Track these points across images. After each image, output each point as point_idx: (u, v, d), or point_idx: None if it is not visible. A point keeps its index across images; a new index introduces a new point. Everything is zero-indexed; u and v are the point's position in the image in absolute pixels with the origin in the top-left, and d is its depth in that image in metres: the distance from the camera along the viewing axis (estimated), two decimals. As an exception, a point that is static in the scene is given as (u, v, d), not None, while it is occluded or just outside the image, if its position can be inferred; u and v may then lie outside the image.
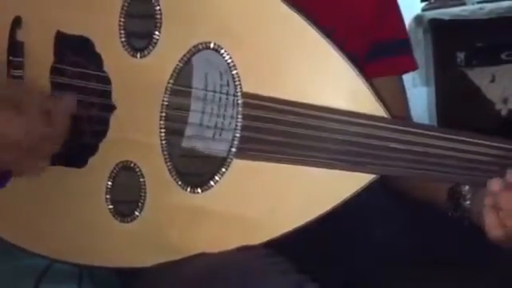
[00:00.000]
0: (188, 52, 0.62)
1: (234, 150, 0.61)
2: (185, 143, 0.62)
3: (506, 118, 1.68)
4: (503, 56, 1.68)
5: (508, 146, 0.58)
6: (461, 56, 1.67)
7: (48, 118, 0.59)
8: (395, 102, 0.72)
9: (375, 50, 0.79)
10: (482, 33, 1.67)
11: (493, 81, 1.68)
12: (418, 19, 1.69)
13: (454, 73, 1.68)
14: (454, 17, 1.66)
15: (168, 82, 0.62)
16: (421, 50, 1.67)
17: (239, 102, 0.61)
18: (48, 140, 0.59)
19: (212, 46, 0.62)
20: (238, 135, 0.61)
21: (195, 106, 0.63)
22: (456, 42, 1.67)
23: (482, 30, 1.67)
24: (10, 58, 0.65)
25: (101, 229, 0.65)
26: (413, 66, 0.84)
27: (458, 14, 1.67)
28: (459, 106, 1.68)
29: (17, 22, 0.66)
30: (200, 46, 0.62)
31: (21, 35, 0.66)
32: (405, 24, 0.84)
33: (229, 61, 0.61)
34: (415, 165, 0.59)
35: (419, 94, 1.70)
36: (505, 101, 1.69)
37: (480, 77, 1.68)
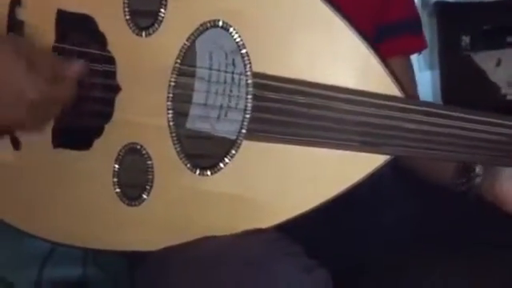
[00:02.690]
0: (195, 31, 0.60)
1: (243, 131, 0.60)
2: (189, 123, 0.61)
3: (511, 101, 1.66)
4: (509, 39, 1.65)
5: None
6: (466, 39, 1.64)
7: (57, 78, 0.58)
8: (404, 83, 0.70)
9: (383, 30, 0.77)
10: (487, 16, 1.64)
11: (498, 64, 1.66)
12: (422, 2, 1.66)
13: (459, 56, 1.66)
14: (460, -1, 1.63)
15: (175, 62, 0.61)
16: (426, 34, 1.64)
17: (249, 82, 0.59)
18: (55, 102, 0.58)
19: (220, 24, 0.60)
20: (247, 116, 0.59)
21: (200, 85, 0.61)
22: (461, 25, 1.64)
23: (487, 12, 1.64)
24: (11, 37, 0.64)
25: (108, 212, 0.63)
26: (422, 46, 0.82)
27: (463, -3, 1.64)
28: (464, 90, 1.66)
29: (16, 1, 0.64)
30: (208, 25, 0.60)
31: (21, 14, 0.64)
32: (414, 3, 0.83)
33: (238, 39, 0.59)
34: (429, 145, 0.57)
35: (424, 78, 1.68)
36: (510, 85, 1.67)
37: (485, 60, 1.65)
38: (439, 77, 1.65)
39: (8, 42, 0.59)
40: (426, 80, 1.70)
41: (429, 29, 1.65)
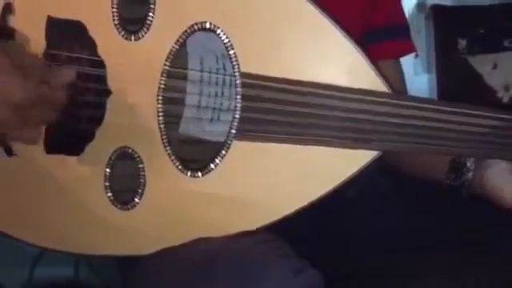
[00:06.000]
0: (183, 33, 0.61)
1: (233, 131, 0.60)
2: (182, 126, 0.61)
3: (507, 105, 1.66)
4: (506, 43, 1.65)
5: (508, 117, 0.57)
6: (462, 43, 1.64)
7: (47, 84, 0.57)
8: (394, 86, 0.71)
9: (372, 34, 0.77)
10: (484, 19, 1.64)
11: (495, 68, 1.66)
12: (419, 5, 1.67)
13: (455, 60, 1.66)
14: (456, 3, 1.63)
15: (164, 65, 0.61)
16: (422, 37, 1.65)
17: (237, 82, 0.60)
18: (45, 106, 0.57)
19: (208, 26, 0.60)
20: (237, 116, 0.60)
21: (192, 88, 0.61)
22: (458, 28, 1.64)
23: (484, 16, 1.65)
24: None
25: (100, 217, 0.63)
26: (410, 49, 0.83)
27: (460, 0, 1.65)
28: (460, 93, 1.66)
29: (7, 8, 0.64)
30: (195, 27, 0.60)
31: (12, 21, 0.64)
32: (402, 8, 0.83)
33: (225, 41, 0.60)
34: (417, 139, 0.57)
35: (421, 81, 1.68)
36: (506, 88, 1.67)
37: (482, 64, 1.66)
38: (436, 80, 1.65)
39: None
40: (423, 83, 1.70)
41: (425, 32, 1.66)
